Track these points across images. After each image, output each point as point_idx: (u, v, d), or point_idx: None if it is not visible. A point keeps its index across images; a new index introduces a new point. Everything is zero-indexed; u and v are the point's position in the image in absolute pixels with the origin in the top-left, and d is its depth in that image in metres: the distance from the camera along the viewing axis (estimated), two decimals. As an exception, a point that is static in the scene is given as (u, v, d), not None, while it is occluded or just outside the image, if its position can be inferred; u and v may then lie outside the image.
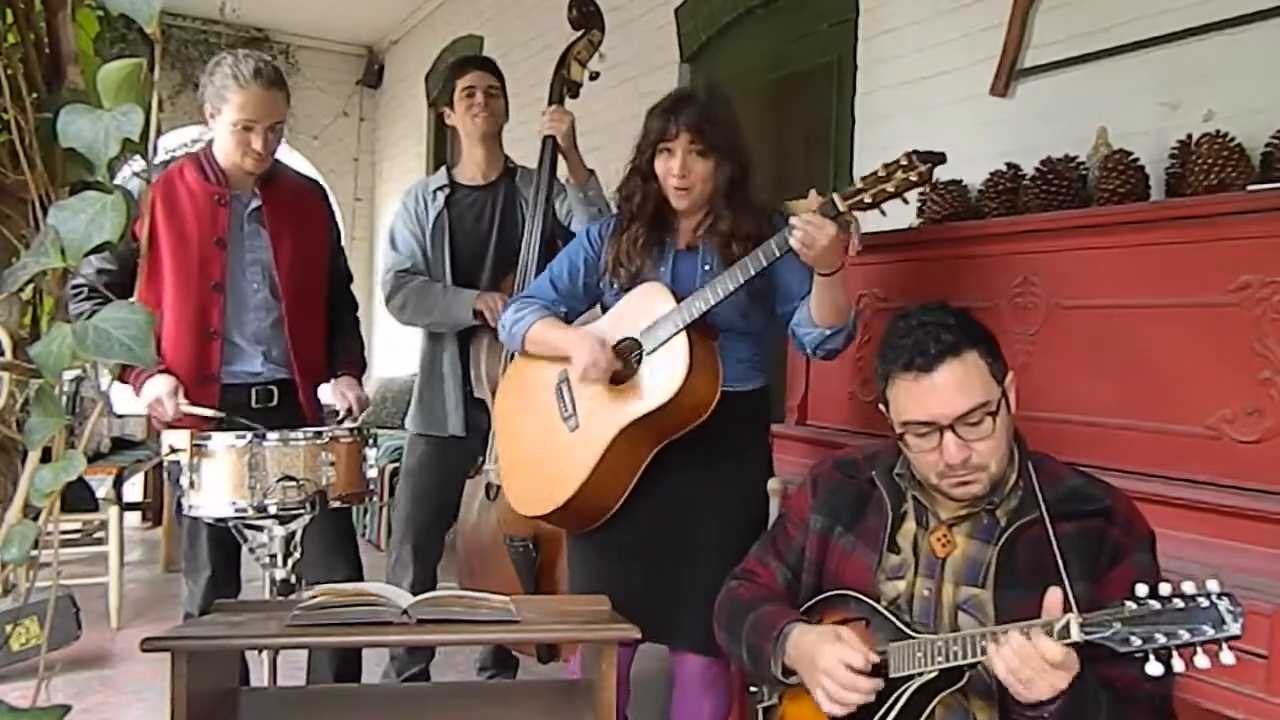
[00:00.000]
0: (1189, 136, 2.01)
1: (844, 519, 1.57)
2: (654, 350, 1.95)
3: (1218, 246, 1.67)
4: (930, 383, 1.38)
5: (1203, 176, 1.88)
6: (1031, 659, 1.18)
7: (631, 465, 1.99)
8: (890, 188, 1.68)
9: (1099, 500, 1.40)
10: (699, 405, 1.93)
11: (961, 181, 2.44)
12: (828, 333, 1.92)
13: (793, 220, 1.75)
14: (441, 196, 2.75)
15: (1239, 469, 1.61)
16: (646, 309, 1.99)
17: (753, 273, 1.85)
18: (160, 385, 2.22)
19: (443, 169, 2.85)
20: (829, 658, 1.38)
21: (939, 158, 1.67)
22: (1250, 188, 1.79)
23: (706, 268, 2.01)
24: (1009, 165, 2.34)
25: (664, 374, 1.92)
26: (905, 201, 1.70)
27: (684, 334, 1.91)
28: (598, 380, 1.98)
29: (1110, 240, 1.86)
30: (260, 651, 1.94)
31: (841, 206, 1.72)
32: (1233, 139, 1.90)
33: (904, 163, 1.67)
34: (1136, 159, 2.07)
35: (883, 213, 1.72)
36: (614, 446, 1.95)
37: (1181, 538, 1.58)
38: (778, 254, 1.82)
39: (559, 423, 2.07)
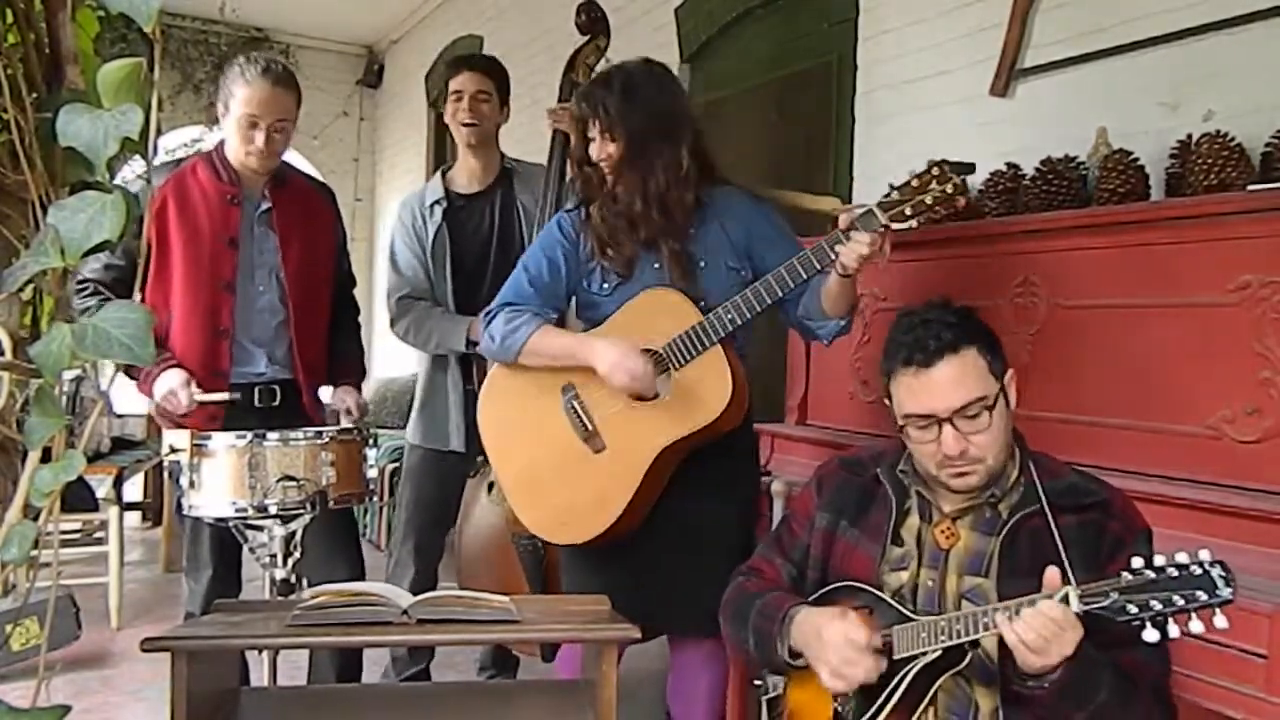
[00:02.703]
0: (1189, 136, 2.00)
1: (848, 514, 1.59)
2: (685, 365, 1.89)
3: (1218, 246, 1.67)
4: (929, 378, 1.42)
5: (1203, 176, 1.88)
6: (1045, 625, 1.22)
7: (661, 482, 1.95)
8: (928, 200, 1.67)
9: (1096, 494, 1.44)
10: (735, 418, 1.91)
11: (962, 181, 2.44)
12: (843, 323, 1.95)
13: (842, 253, 1.74)
14: (439, 211, 2.72)
15: (1239, 469, 1.62)
16: (665, 320, 1.91)
17: (792, 286, 1.83)
18: (173, 378, 2.22)
19: (438, 177, 2.82)
20: (835, 632, 1.42)
21: (967, 168, 1.68)
22: (1250, 188, 1.78)
23: (702, 265, 1.99)
24: (1009, 165, 2.34)
25: (708, 391, 1.86)
26: (938, 216, 1.70)
27: (720, 348, 1.87)
28: (644, 391, 1.89)
29: (1110, 240, 1.86)
30: (260, 651, 1.94)
31: (883, 219, 1.70)
32: (1233, 139, 1.89)
33: (936, 173, 1.66)
34: (1136, 159, 2.07)
35: (916, 224, 1.71)
36: (655, 467, 1.89)
37: (1182, 538, 1.57)
38: (819, 268, 1.81)
39: (578, 443, 1.97)
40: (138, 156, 0.96)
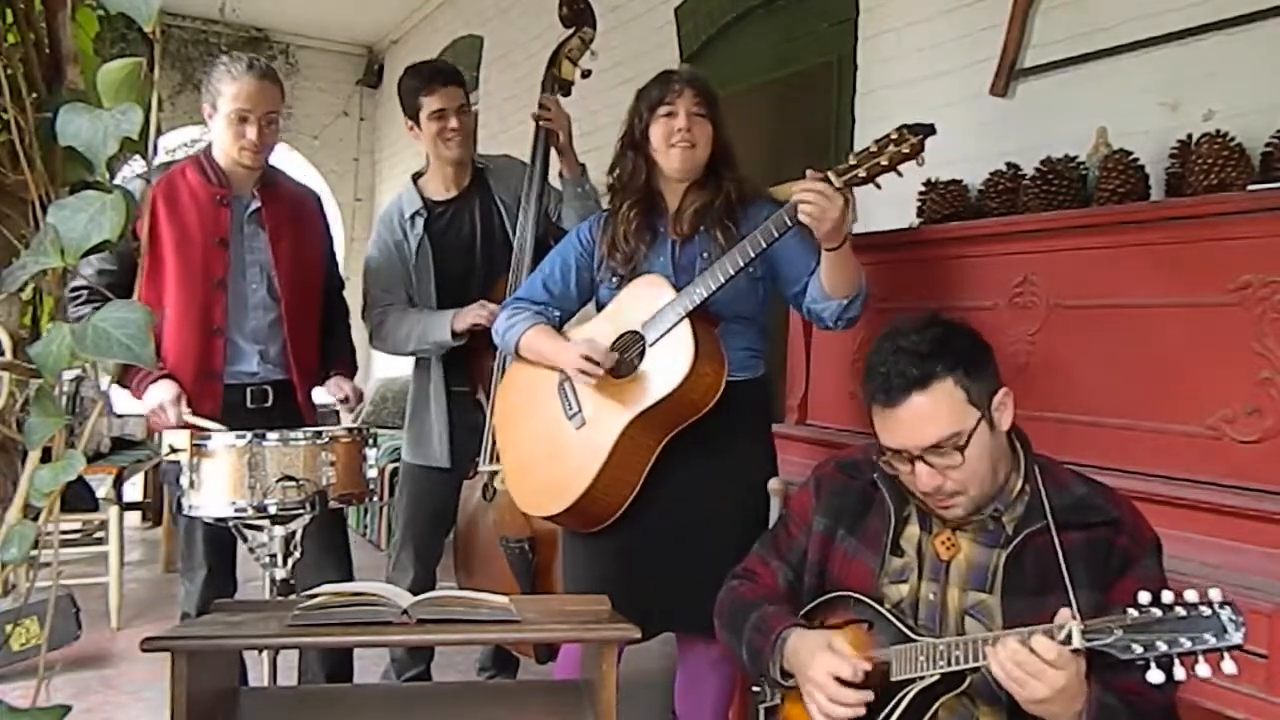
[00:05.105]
0: (1189, 136, 2.00)
1: (846, 521, 1.56)
2: (657, 341, 1.95)
3: (1218, 246, 1.67)
4: (895, 416, 1.39)
5: (1203, 176, 1.88)
6: (1027, 662, 1.19)
7: (640, 460, 1.98)
8: (884, 161, 1.71)
9: (1106, 511, 1.39)
10: (707, 392, 1.93)
11: (961, 181, 2.44)
12: (845, 303, 1.93)
13: (800, 195, 1.76)
14: (420, 222, 2.69)
15: (1239, 469, 1.61)
16: (646, 301, 1.98)
17: (753, 255, 1.86)
18: (164, 392, 2.22)
19: (411, 186, 2.78)
20: (819, 670, 1.39)
21: (929, 129, 1.70)
22: (1250, 188, 1.79)
23: (705, 255, 2.01)
24: (1009, 165, 2.34)
25: (670, 363, 1.91)
26: (899, 174, 1.73)
27: (687, 321, 1.91)
28: (599, 373, 1.97)
29: (1110, 240, 1.85)
30: (260, 651, 1.94)
31: (837, 183, 1.74)
32: (1233, 139, 1.89)
33: (895, 137, 1.70)
34: (1136, 159, 2.07)
35: (878, 186, 1.74)
36: (622, 440, 1.94)
37: (1182, 538, 1.57)
38: (777, 235, 1.83)
39: (564, 422, 2.06)
40: (136, 156, 0.96)
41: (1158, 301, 1.76)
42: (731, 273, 1.87)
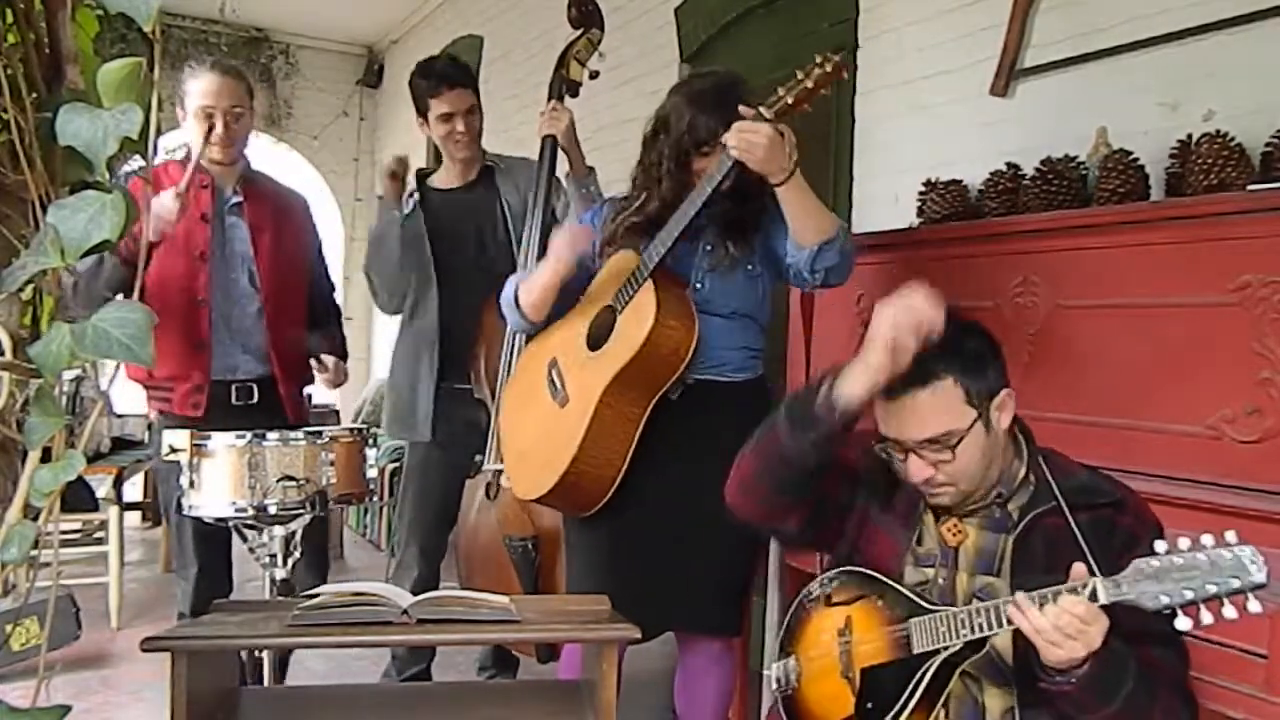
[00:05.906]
0: (1189, 136, 2.00)
1: (879, 499, 1.57)
2: (624, 307, 1.98)
3: (1218, 246, 1.67)
4: (894, 409, 1.43)
5: (1203, 176, 1.88)
6: (1069, 623, 1.20)
7: (624, 430, 1.97)
8: (809, 84, 1.76)
9: (1110, 493, 1.43)
10: (678, 348, 1.93)
11: (961, 181, 2.44)
12: (816, 249, 1.88)
13: (726, 136, 1.80)
14: (413, 203, 2.73)
15: (1239, 469, 1.61)
16: (616, 276, 2.02)
17: (699, 204, 1.88)
18: (162, 197, 2.21)
19: (413, 177, 2.82)
20: (885, 311, 1.42)
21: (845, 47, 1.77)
22: (1250, 188, 1.78)
23: (708, 248, 2.00)
24: (1009, 165, 2.34)
25: (635, 322, 1.94)
26: (825, 93, 1.79)
27: (649, 281, 1.93)
28: (582, 252, 2.01)
29: (1110, 240, 1.85)
30: (260, 651, 1.94)
31: (769, 115, 1.78)
32: (1233, 139, 1.89)
33: (818, 60, 1.76)
34: (1136, 159, 2.07)
35: (808, 109, 1.79)
36: (601, 409, 1.95)
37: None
38: (719, 176, 1.86)
39: (551, 404, 2.09)
40: (135, 155, 0.96)
41: (1158, 301, 1.76)
42: (685, 224, 1.90)
